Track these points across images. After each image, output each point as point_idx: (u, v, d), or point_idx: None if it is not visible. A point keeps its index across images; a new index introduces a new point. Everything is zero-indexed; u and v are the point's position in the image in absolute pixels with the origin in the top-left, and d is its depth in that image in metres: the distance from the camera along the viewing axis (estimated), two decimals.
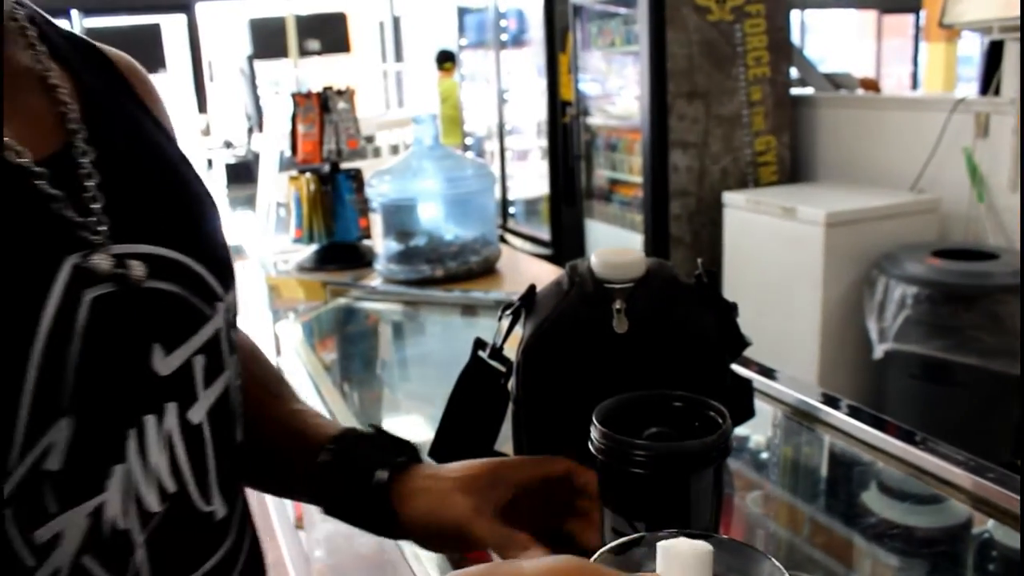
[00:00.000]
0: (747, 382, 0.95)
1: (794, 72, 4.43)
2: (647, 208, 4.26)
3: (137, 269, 0.54)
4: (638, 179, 4.39)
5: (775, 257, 3.61)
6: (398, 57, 9.99)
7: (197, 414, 0.59)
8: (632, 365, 0.77)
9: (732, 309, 0.87)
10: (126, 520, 0.53)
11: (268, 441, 0.77)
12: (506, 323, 0.88)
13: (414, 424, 1.55)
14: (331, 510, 0.76)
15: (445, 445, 0.88)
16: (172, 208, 0.61)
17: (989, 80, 3.55)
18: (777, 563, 0.44)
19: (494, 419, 0.89)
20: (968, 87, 8.02)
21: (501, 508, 0.70)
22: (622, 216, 4.67)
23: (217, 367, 0.61)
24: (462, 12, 6.47)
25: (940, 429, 3.30)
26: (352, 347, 1.98)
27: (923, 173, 3.73)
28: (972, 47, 8.12)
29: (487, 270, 2.10)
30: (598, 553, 0.47)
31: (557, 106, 5.25)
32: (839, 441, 1.33)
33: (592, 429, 0.66)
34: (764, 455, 1.38)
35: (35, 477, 0.47)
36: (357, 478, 0.73)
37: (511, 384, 0.87)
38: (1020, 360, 2.78)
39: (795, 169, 4.40)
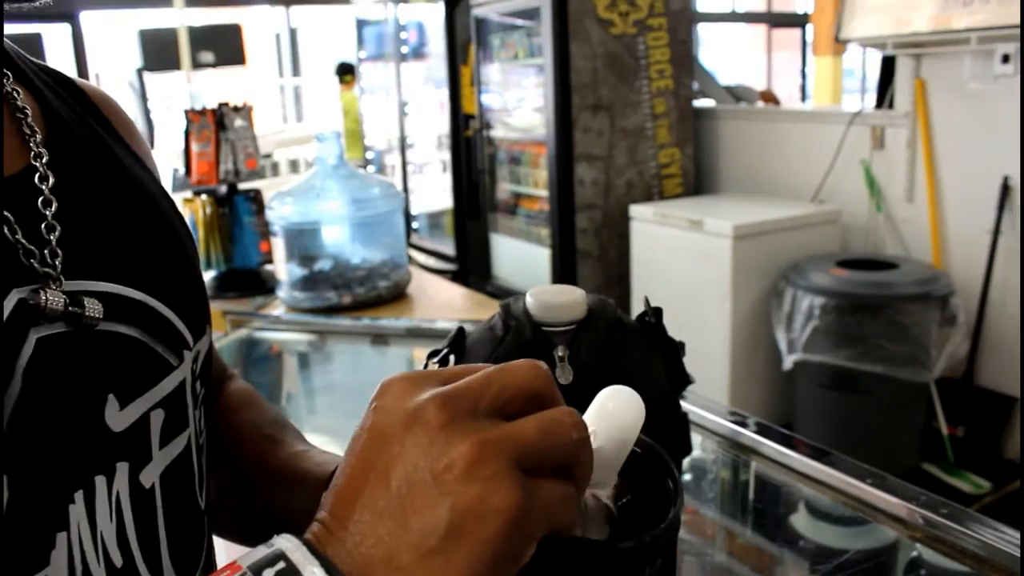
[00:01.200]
0: (685, 417, 0.89)
1: (695, 85, 4.47)
2: (554, 222, 4.22)
3: (93, 309, 0.48)
4: (543, 192, 4.36)
5: (683, 269, 3.61)
6: (295, 70, 9.77)
7: (149, 477, 0.52)
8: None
9: (679, 348, 0.81)
10: None
11: (269, 487, 0.69)
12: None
13: None
14: None
15: None
16: (139, 243, 0.55)
17: (883, 94, 3.64)
18: None
19: None
20: (854, 98, 8.31)
21: None
22: (528, 230, 4.63)
23: (178, 423, 0.54)
24: (361, 24, 6.35)
25: (850, 436, 3.37)
26: (256, 380, 1.86)
27: (823, 184, 3.80)
28: (855, 61, 8.41)
29: (397, 295, 2.00)
30: None
31: (459, 119, 5.18)
32: (760, 464, 1.30)
33: None
34: (690, 478, 1.34)
35: None
36: None
37: None
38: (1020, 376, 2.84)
39: (699, 181, 4.43)
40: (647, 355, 0.75)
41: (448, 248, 5.46)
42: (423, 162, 5.98)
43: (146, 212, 0.58)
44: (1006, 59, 3.02)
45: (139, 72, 5.04)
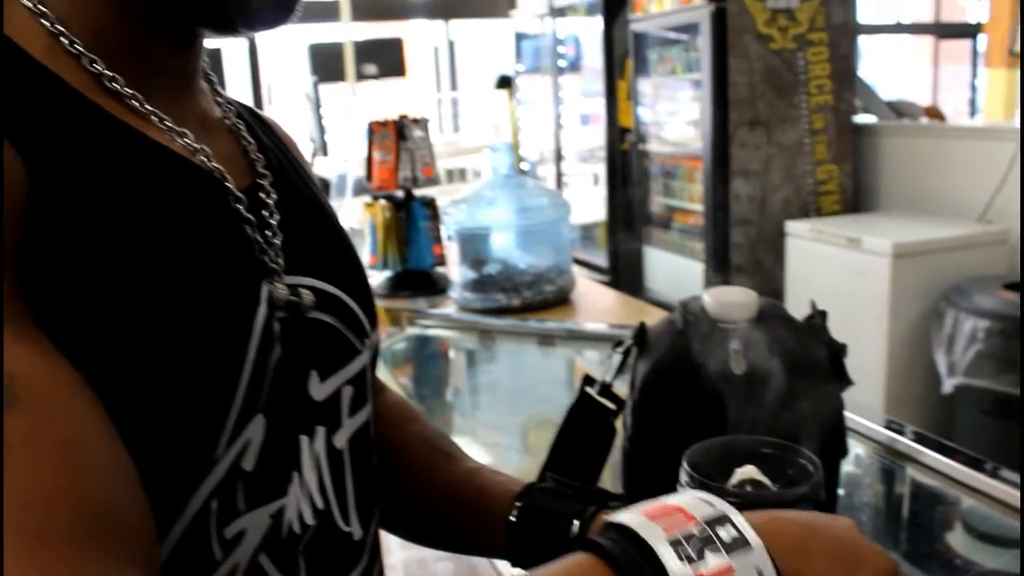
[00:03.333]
0: (842, 420, 0.95)
1: (857, 101, 4.40)
2: (709, 236, 4.25)
3: (307, 299, 0.58)
4: (698, 207, 4.39)
5: (839, 288, 3.57)
6: (453, 83, 10.09)
7: (340, 440, 0.62)
8: (748, 404, 0.78)
9: (842, 350, 0.88)
10: (297, 525, 0.57)
11: (447, 497, 0.78)
12: (617, 360, 0.89)
13: (486, 451, 1.56)
14: (519, 562, 0.76)
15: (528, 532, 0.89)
16: (331, 249, 0.67)
17: None
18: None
19: (600, 454, 0.90)
20: None
21: None
22: (681, 244, 4.66)
23: (361, 399, 0.65)
24: (519, 37, 6.53)
25: (1012, 465, 3.25)
26: (427, 374, 2.01)
27: (991, 204, 3.67)
28: None
29: (562, 299, 2.11)
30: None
31: (615, 132, 5.27)
32: (921, 475, 1.32)
33: (681, 472, 0.66)
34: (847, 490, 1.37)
35: (232, 475, 0.51)
36: (550, 533, 0.73)
37: (621, 420, 0.88)
38: None
39: (857, 198, 4.36)
40: (814, 352, 0.83)
41: (601, 259, 5.54)
42: (576, 173, 6.09)
43: (330, 223, 0.70)
44: None
45: (315, 84, 5.38)
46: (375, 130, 2.31)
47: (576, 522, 0.72)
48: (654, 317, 1.90)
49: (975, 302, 3.12)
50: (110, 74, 0.52)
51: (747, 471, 0.64)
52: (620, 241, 5.32)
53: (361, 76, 7.91)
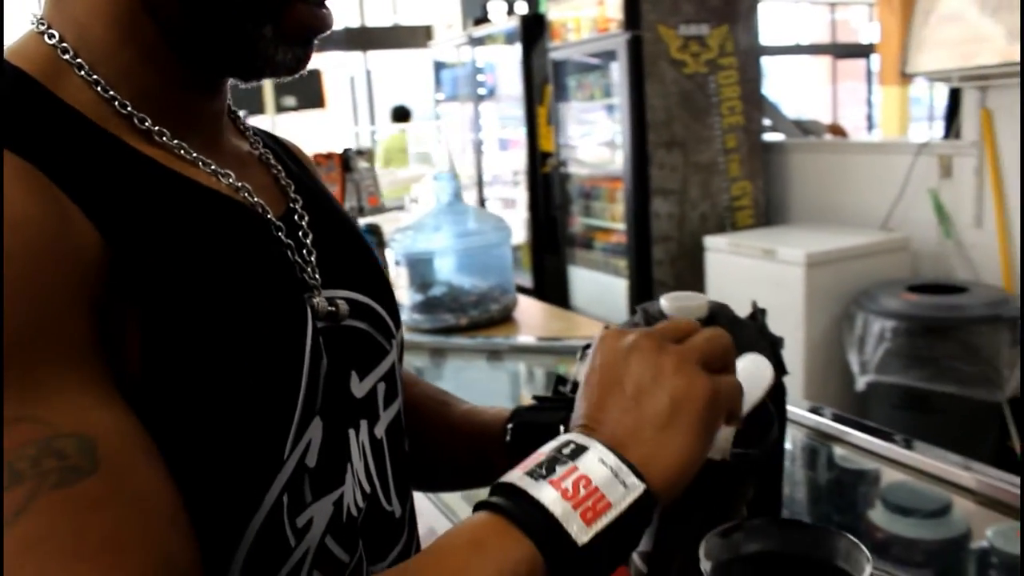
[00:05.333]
0: (784, 397, 1.08)
1: (765, 120, 4.65)
2: (631, 253, 4.42)
3: (343, 309, 0.66)
4: (619, 225, 4.56)
5: (757, 297, 3.74)
6: (371, 113, 10.17)
7: (379, 431, 0.70)
8: None
9: (779, 341, 1.01)
10: (354, 509, 0.65)
11: (449, 438, 0.87)
12: (587, 363, 1.00)
13: None
14: None
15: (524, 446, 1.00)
16: (358, 260, 0.74)
17: (951, 124, 3.78)
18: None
19: None
20: (921, 127, 8.36)
21: None
22: (605, 262, 4.83)
23: (393, 393, 0.73)
24: (438, 67, 6.66)
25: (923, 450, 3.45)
26: None
27: (892, 213, 3.93)
28: (923, 89, 8.47)
29: (505, 317, 2.23)
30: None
31: (536, 157, 5.42)
32: (843, 452, 1.47)
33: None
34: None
35: (299, 471, 0.59)
36: (541, 442, 0.83)
37: None
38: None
39: (770, 212, 4.60)
40: (759, 345, 0.96)
41: (526, 280, 5.68)
42: (500, 198, 6.23)
43: (354, 235, 0.76)
44: None
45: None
46: (320, 162, 2.39)
47: (561, 427, 0.81)
48: (593, 329, 2.03)
49: (882, 304, 3.34)
50: (157, 129, 0.58)
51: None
52: (545, 261, 5.46)
53: (280, 108, 7.94)
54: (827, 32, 9.93)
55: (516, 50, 5.34)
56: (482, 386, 2.05)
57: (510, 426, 0.84)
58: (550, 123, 5.18)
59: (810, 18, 10.24)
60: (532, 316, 2.34)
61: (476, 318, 2.18)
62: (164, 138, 0.59)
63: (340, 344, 0.65)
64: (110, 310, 0.50)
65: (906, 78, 6.80)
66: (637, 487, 0.52)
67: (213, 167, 0.61)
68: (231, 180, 0.62)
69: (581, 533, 0.50)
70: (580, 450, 0.53)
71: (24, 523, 0.42)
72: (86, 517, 0.43)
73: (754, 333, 0.97)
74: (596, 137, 4.89)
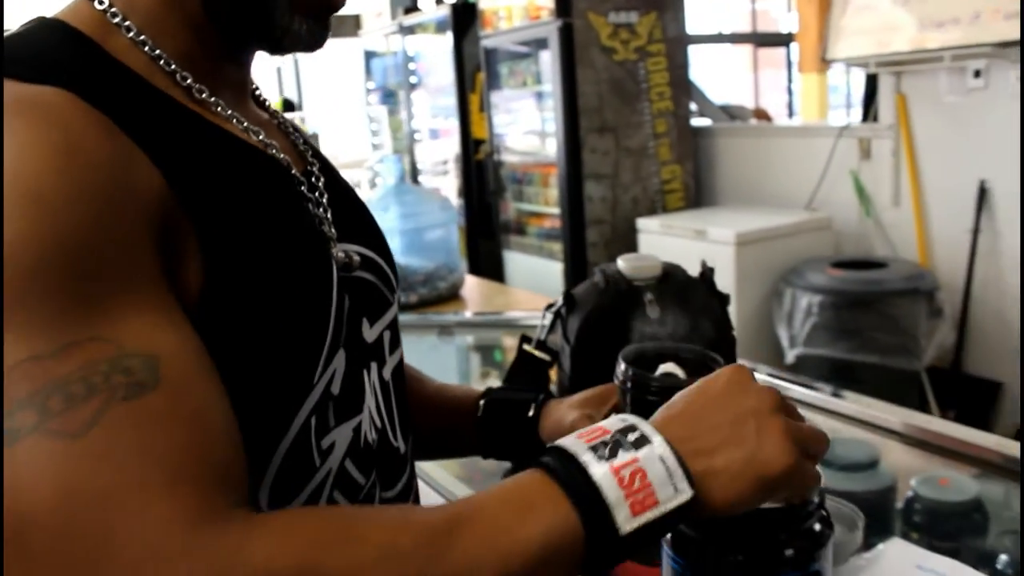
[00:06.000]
0: (733, 342, 1.16)
1: (693, 105, 4.78)
2: (566, 237, 4.50)
3: (355, 261, 0.71)
4: (554, 210, 4.64)
5: None
6: (299, 103, 10.07)
7: (387, 373, 0.76)
8: (663, 338, 0.98)
9: (726, 299, 1.10)
10: (371, 437, 0.71)
11: (423, 410, 0.93)
12: (549, 319, 1.08)
13: None
14: (489, 451, 0.94)
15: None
16: (364, 220, 0.80)
17: (868, 108, 3.95)
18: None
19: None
20: (839, 113, 8.64)
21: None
22: (540, 246, 4.91)
23: (396, 341, 0.80)
24: (368, 56, 6.65)
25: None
26: None
27: (816, 193, 4.09)
28: (840, 78, 8.75)
29: (453, 295, 2.29)
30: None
31: (470, 144, 5.47)
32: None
33: (618, 364, 0.85)
34: None
35: (325, 397, 0.65)
36: (512, 419, 0.91)
37: (558, 369, 1.07)
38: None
39: (699, 195, 4.73)
40: (709, 300, 1.04)
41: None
42: (434, 186, 6.26)
43: (358, 199, 0.82)
44: (977, 74, 3.34)
45: None
46: None
47: (532, 405, 0.90)
48: (534, 303, 2.10)
49: (809, 280, 3.49)
50: (198, 86, 0.65)
51: (667, 367, 0.84)
52: (480, 247, 5.52)
53: None
54: (748, 22, 10.16)
55: (447, 39, 5.37)
56: (433, 360, 2.11)
57: (483, 402, 0.92)
58: (482, 111, 5.22)
59: (732, 8, 10.47)
60: (478, 293, 2.41)
61: (425, 296, 2.23)
62: (204, 95, 0.65)
63: (353, 292, 0.71)
64: (172, 243, 0.55)
65: (824, 65, 7.04)
66: (686, 492, 0.54)
67: (246, 124, 0.67)
68: (261, 136, 0.68)
69: (625, 523, 0.52)
70: (644, 440, 0.55)
71: (96, 433, 0.46)
72: (150, 429, 0.48)
73: (704, 290, 1.06)
74: (529, 124, 4.96)
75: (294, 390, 0.63)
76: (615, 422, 0.57)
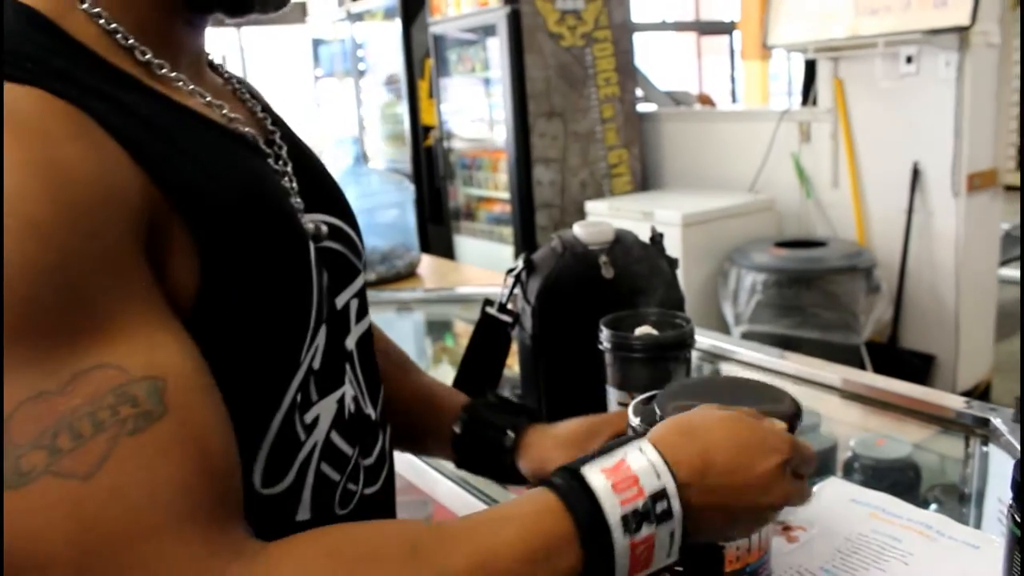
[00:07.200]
0: (683, 301, 1.24)
1: (639, 91, 4.88)
2: (516, 221, 4.57)
3: (323, 230, 0.70)
4: (503, 195, 4.70)
5: None
6: None
7: (350, 342, 0.74)
8: (618, 300, 1.06)
9: (675, 263, 1.18)
10: (352, 407, 0.72)
11: (404, 407, 0.92)
12: (511, 282, 1.14)
13: None
14: (464, 465, 0.94)
15: (465, 381, 1.13)
16: (328, 187, 0.78)
17: (808, 93, 4.08)
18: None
19: (501, 357, 1.14)
20: (781, 99, 8.84)
21: None
22: (490, 231, 4.96)
23: (363, 309, 0.78)
24: (316, 43, 6.63)
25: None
26: None
27: (758, 176, 4.21)
28: (781, 65, 8.94)
29: (411, 272, 2.35)
30: (632, 404, 0.77)
31: (419, 130, 5.50)
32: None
33: (601, 332, 0.93)
34: None
35: (308, 373, 0.65)
36: (489, 441, 0.90)
37: (519, 329, 1.13)
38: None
39: (645, 178, 4.83)
40: (658, 262, 1.12)
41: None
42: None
43: (321, 166, 0.79)
44: (909, 60, 3.47)
45: None
46: None
47: (511, 434, 0.90)
48: (486, 279, 2.17)
49: (753, 260, 3.61)
50: (158, 62, 0.61)
51: (644, 328, 0.92)
52: (430, 232, 5.56)
53: None
54: (692, 10, 10.32)
55: (395, 25, 5.38)
56: (394, 335, 2.16)
57: (463, 417, 0.92)
58: (431, 97, 5.26)
59: None
60: (433, 271, 2.47)
61: (383, 274, 2.28)
62: (164, 70, 0.61)
63: (322, 262, 0.69)
64: (161, 241, 0.54)
65: (766, 52, 7.20)
66: (674, 557, 0.61)
67: (208, 99, 0.64)
68: (225, 111, 0.65)
69: None
70: (667, 515, 0.59)
71: (106, 472, 0.47)
72: (159, 462, 0.48)
73: (655, 254, 1.13)
74: (477, 110, 5.00)
75: (283, 370, 0.63)
76: (648, 473, 0.60)
